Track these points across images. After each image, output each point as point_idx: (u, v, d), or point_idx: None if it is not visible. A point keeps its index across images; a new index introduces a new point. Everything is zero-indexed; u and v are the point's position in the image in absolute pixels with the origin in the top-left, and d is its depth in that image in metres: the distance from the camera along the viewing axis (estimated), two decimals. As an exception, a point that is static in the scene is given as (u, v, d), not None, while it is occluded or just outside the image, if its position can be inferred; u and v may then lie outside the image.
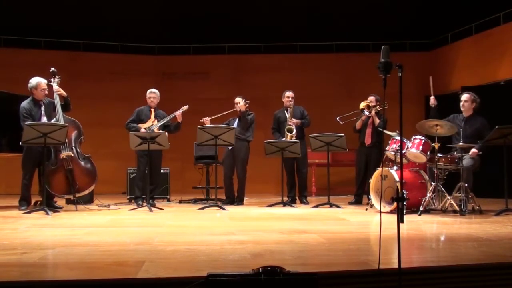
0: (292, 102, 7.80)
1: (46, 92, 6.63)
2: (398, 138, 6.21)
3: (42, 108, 6.61)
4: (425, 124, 6.07)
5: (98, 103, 10.84)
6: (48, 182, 6.38)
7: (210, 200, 7.86)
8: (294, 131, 7.62)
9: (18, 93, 6.94)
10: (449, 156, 6.06)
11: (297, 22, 11.13)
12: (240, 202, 7.67)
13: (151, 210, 6.39)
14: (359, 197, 7.65)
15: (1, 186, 10.19)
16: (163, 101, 7.80)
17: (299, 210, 6.86)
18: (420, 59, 11.19)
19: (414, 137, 6.24)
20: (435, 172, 5.99)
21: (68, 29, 10.85)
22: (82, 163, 6.68)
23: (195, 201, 8.10)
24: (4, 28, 10.67)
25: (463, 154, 6.00)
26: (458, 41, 10.55)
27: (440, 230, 4.72)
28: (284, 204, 7.25)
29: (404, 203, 4.94)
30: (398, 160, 6.12)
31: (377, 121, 7.50)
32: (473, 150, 6.17)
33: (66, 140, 6.25)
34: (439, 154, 5.98)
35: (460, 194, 5.87)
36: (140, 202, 7.18)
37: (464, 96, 6.51)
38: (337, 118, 7.61)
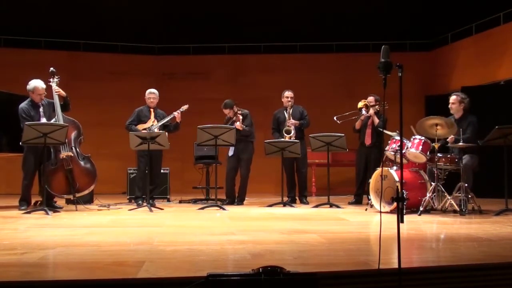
0: (291, 102, 7.78)
1: (43, 96, 6.64)
2: (398, 138, 6.20)
3: (41, 109, 6.61)
4: (425, 124, 6.05)
5: (98, 103, 10.83)
6: (48, 182, 6.37)
7: (210, 200, 7.86)
8: (293, 132, 7.61)
9: (18, 93, 6.94)
10: (449, 156, 6.05)
11: (297, 22, 11.11)
12: (240, 202, 7.65)
13: (151, 210, 6.39)
14: (359, 197, 7.64)
15: (1, 186, 10.17)
16: (163, 101, 7.79)
17: (299, 210, 6.86)
18: (420, 59, 11.19)
19: (413, 137, 6.23)
20: (435, 172, 5.99)
21: (68, 29, 10.85)
22: (82, 163, 6.68)
23: (195, 201, 8.09)
24: (4, 28, 10.67)
25: (462, 155, 5.99)
26: (458, 41, 10.54)
27: (440, 230, 4.72)
28: (284, 204, 7.25)
29: (404, 203, 4.93)
30: (398, 160, 6.12)
31: (376, 121, 7.49)
32: (451, 136, 6.02)
33: (66, 140, 6.25)
34: (439, 154, 5.98)
35: (460, 194, 5.87)
36: (140, 202, 7.18)
37: (451, 98, 6.45)
38: (335, 118, 7.59)
